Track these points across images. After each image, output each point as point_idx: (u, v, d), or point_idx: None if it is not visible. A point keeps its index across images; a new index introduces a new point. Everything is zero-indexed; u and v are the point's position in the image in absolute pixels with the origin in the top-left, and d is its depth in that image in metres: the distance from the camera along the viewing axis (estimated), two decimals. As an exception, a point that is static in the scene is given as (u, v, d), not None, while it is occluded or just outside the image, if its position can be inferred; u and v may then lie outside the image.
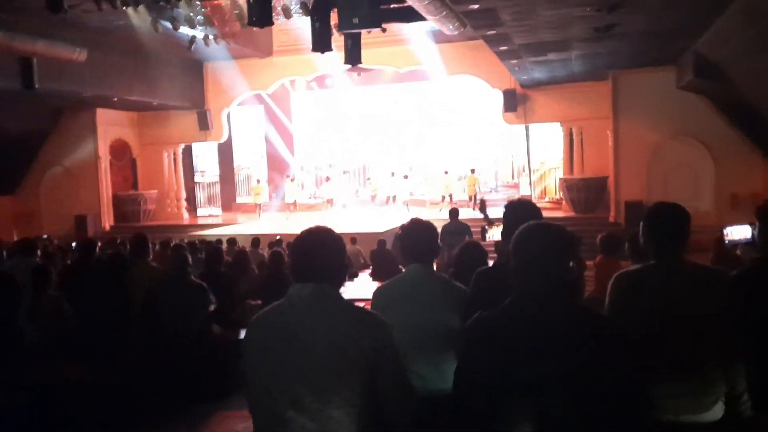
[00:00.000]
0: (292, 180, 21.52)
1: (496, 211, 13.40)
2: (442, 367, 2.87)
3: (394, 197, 20.69)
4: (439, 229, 10.32)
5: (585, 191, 17.43)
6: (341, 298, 2.29)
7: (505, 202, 3.46)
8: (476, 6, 9.29)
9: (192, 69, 19.89)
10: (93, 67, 14.99)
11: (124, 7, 11.66)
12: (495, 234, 11.05)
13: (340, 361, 2.13)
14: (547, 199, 19.89)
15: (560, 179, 18.75)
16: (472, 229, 11.25)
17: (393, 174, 20.76)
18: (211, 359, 5.11)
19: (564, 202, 18.45)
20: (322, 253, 2.30)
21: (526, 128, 19.75)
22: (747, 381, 2.52)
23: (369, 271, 11.43)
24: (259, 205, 21.12)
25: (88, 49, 13.93)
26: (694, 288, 2.56)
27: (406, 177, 20.51)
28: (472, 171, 20.13)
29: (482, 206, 13.93)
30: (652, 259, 2.67)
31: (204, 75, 20.48)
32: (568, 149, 18.66)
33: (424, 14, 10.60)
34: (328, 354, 2.13)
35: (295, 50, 18.58)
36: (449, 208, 12.36)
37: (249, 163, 24.52)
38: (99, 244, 8.56)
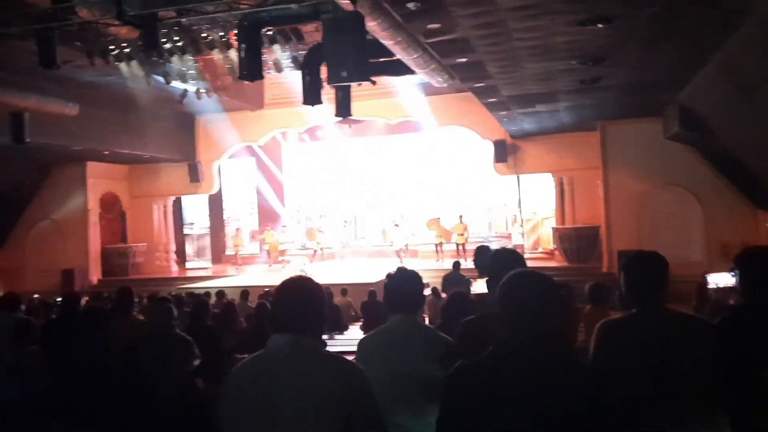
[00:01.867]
0: (271, 230, 21.45)
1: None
2: (426, 419, 2.84)
3: (406, 246, 20.78)
4: (440, 280, 10.54)
5: (577, 241, 17.53)
6: (319, 347, 2.31)
7: (483, 248, 3.45)
8: (464, 59, 9.55)
9: (183, 122, 20.14)
10: (84, 120, 15.18)
11: (117, 63, 11.90)
12: (480, 286, 11.13)
13: (317, 410, 2.13)
14: (540, 249, 19.92)
15: (552, 229, 18.84)
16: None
17: (397, 225, 20.74)
18: (194, 414, 5.03)
19: (557, 252, 18.48)
20: (299, 303, 2.31)
21: (518, 178, 19.95)
22: (730, 429, 2.53)
23: (360, 323, 11.34)
24: (239, 255, 21.16)
25: (79, 104, 14.12)
26: (675, 336, 2.58)
27: (396, 225, 20.57)
28: (460, 218, 20.19)
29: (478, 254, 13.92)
30: (634, 307, 2.70)
31: (195, 128, 20.73)
32: (559, 199, 18.82)
33: (413, 67, 10.87)
34: (305, 403, 2.14)
35: (287, 103, 18.91)
36: (453, 261, 12.48)
37: (239, 214, 24.57)
38: (85, 298, 8.50)
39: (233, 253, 21.69)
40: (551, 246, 19.39)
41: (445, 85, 13.34)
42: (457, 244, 19.50)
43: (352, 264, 20.90)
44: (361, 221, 24.69)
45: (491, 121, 16.44)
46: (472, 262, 5.13)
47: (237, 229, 22.62)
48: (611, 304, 6.45)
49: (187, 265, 22.76)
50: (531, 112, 14.19)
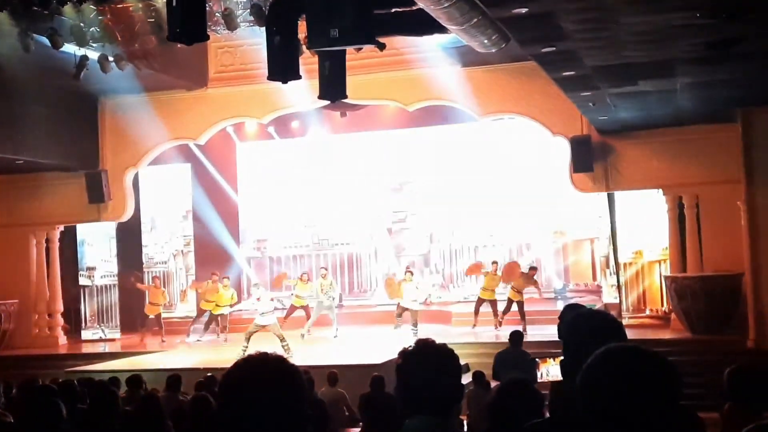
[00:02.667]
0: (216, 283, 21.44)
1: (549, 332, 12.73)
2: None
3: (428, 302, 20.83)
4: (486, 359, 10.42)
5: (706, 298, 17.44)
6: None
7: (567, 314, 3.47)
8: (524, 10, 9.55)
9: (80, 108, 20.25)
10: None
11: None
12: (552, 370, 11.09)
13: None
14: (647, 311, 19.83)
15: (666, 279, 18.75)
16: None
17: (410, 273, 20.72)
18: None
19: (674, 316, 18.36)
20: (262, 398, 2.35)
21: (610, 198, 19.92)
22: None
23: (359, 430, 11.28)
24: (164, 320, 21.26)
25: None
26: None
27: (410, 272, 20.48)
28: (494, 263, 20.39)
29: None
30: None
31: (99, 118, 20.84)
32: (675, 231, 18.73)
33: (443, 23, 10.90)
34: None
35: (243, 79, 19.06)
36: (511, 331, 12.46)
37: (167, 253, 24.58)
38: None
39: (154, 316, 21.62)
40: (664, 306, 19.26)
41: (493, 50, 13.36)
42: (511, 300, 19.50)
43: (344, 333, 20.83)
44: (360, 264, 24.61)
45: (567, 107, 16.44)
46: (557, 331, 5.16)
47: (154, 278, 22.55)
48: (764, 401, 6.36)
49: (83, 335, 22.74)
50: (631, 92, 14.18)
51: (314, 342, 19.44)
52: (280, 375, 2.41)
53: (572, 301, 22.23)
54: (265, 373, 2.40)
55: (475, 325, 19.55)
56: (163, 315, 21.77)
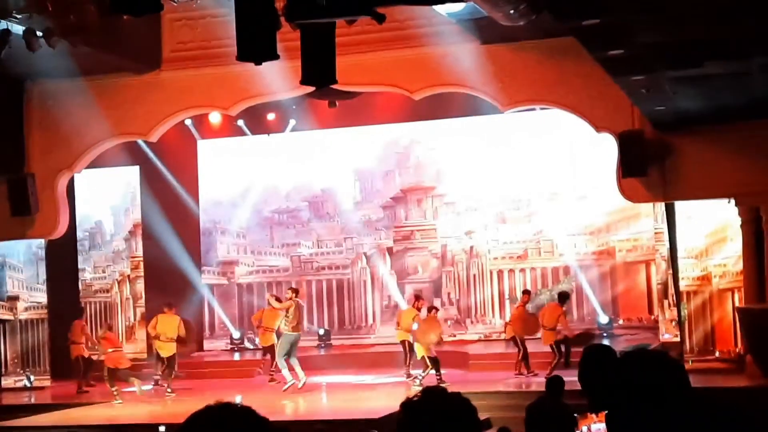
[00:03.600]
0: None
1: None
2: None
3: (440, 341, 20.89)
4: (515, 412, 10.31)
5: (789, 336, 17.36)
6: None
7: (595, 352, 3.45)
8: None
9: (0, 97, 20.21)
10: None
11: None
12: (595, 428, 11.04)
13: None
14: (716, 354, 19.76)
15: (738, 311, 18.71)
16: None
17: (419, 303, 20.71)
18: None
19: (748, 359, 18.31)
20: None
21: (668, 210, 19.91)
22: None
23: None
24: (107, 363, 21.04)
25: None
26: None
27: (435, 310, 20.49)
28: (526, 293, 20.58)
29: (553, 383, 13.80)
30: None
31: (24, 108, 20.79)
32: (751, 251, 18.68)
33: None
34: None
35: (206, 59, 19.03)
36: (550, 375, 12.42)
37: (108, 279, 24.56)
38: None
39: (91, 357, 21.55)
40: (738, 347, 19.20)
41: (520, 23, 13.32)
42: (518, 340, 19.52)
43: (333, 381, 20.79)
44: (353, 294, 24.60)
45: (614, 96, 16.40)
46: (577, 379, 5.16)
47: (76, 322, 22.34)
48: None
49: (3, 382, 22.69)
50: (695, 76, 14.17)
51: (297, 390, 19.36)
52: (243, 427, 2.44)
53: (622, 339, 22.24)
54: (225, 426, 2.43)
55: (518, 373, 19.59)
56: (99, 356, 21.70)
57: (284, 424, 14.05)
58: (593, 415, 11.53)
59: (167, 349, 20.70)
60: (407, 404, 3.20)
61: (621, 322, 23.48)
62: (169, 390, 20.09)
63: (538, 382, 16.72)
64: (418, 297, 20.88)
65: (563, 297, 20.33)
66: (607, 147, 18.86)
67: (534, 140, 23.10)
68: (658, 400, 2.81)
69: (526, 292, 20.95)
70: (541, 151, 23.34)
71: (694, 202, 19.28)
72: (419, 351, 19.37)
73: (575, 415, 11.52)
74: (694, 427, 2.33)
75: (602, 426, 12.34)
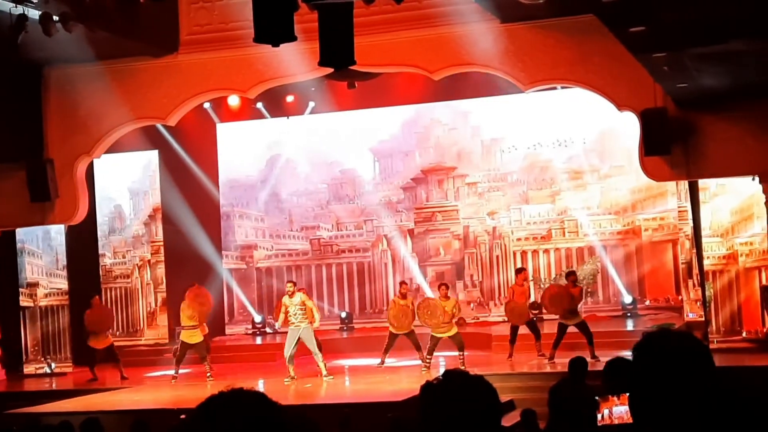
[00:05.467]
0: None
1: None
2: None
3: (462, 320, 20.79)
4: (538, 394, 10.27)
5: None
6: None
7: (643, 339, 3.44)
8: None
9: (18, 82, 20.26)
10: None
11: None
12: (617, 411, 11.02)
13: None
14: (744, 334, 19.70)
15: (762, 288, 18.68)
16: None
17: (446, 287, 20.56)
18: None
19: (776, 341, 18.30)
20: None
21: (691, 188, 19.85)
22: None
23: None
24: (103, 349, 21.14)
25: None
26: None
27: (446, 290, 20.35)
28: (523, 275, 20.38)
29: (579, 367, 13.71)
30: None
31: (42, 94, 20.84)
32: (776, 230, 18.64)
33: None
34: None
35: (224, 42, 19.05)
36: (571, 359, 12.33)
37: (130, 264, 24.64)
38: None
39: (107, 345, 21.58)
40: (766, 326, 19.15)
41: (540, 1, 13.31)
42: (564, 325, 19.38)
43: (355, 364, 20.86)
44: (374, 277, 24.65)
45: (636, 73, 16.35)
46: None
47: (94, 299, 22.35)
48: None
49: (25, 369, 22.85)
50: (719, 53, 14.11)
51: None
52: (255, 414, 2.42)
53: (646, 319, 22.24)
54: (236, 413, 2.41)
55: (511, 356, 19.50)
56: (125, 344, 21.78)
57: (305, 408, 14.11)
58: (615, 398, 11.56)
59: (193, 337, 20.52)
60: (428, 387, 3.21)
61: (648, 303, 23.43)
62: (209, 375, 19.99)
63: (563, 364, 16.73)
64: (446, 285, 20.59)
65: (572, 276, 20.09)
66: (632, 125, 18.84)
67: (557, 119, 23.07)
68: (681, 381, 2.81)
69: (518, 271, 20.86)
70: (564, 130, 23.34)
71: (718, 181, 19.25)
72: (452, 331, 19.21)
73: (596, 398, 11.52)
74: (718, 409, 2.34)
75: (624, 409, 12.35)
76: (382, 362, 19.67)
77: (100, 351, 21.22)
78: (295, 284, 20.27)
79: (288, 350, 18.96)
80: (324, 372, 18.93)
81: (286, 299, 19.10)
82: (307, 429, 2.55)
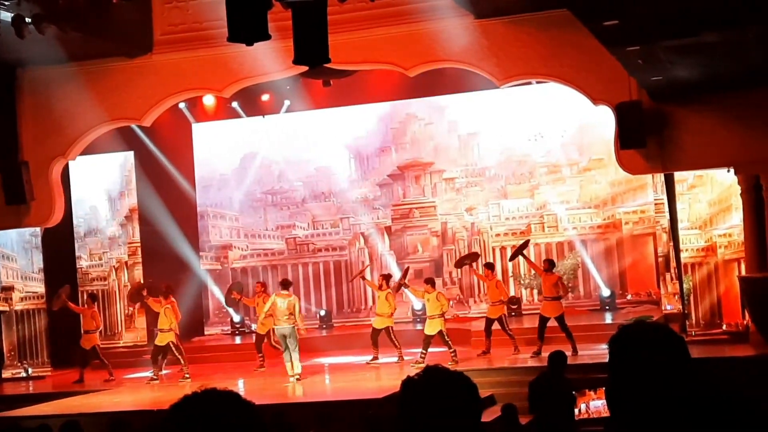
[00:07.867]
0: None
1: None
2: None
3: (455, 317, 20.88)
4: (518, 388, 10.23)
5: (792, 305, 17.38)
6: None
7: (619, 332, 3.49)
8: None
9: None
10: None
11: None
12: (594, 405, 11.15)
13: None
14: (723, 327, 19.76)
15: (740, 280, 18.88)
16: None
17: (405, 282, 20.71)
18: None
19: (752, 327, 18.47)
20: None
21: (667, 181, 19.97)
22: None
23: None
24: (92, 349, 21.15)
25: None
26: None
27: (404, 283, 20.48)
28: (486, 267, 20.48)
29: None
30: None
31: (16, 96, 20.80)
32: (752, 220, 18.68)
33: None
34: None
35: (198, 41, 19.07)
36: (551, 353, 12.42)
37: (105, 266, 24.60)
38: None
39: (88, 348, 21.54)
40: (745, 318, 19.27)
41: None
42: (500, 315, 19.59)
43: (335, 362, 20.98)
44: (351, 275, 24.72)
45: (611, 67, 16.41)
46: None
47: (87, 299, 22.45)
48: None
49: (3, 374, 22.77)
50: (691, 45, 14.22)
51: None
52: (229, 413, 2.44)
53: (623, 312, 22.36)
54: (208, 413, 2.44)
55: (486, 351, 19.57)
56: (104, 346, 21.75)
57: (284, 408, 14.13)
58: (591, 392, 11.68)
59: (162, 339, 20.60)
60: (408, 382, 3.21)
61: (630, 297, 23.54)
62: (186, 375, 20.07)
63: (542, 358, 16.76)
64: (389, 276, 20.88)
65: (546, 263, 20.10)
66: (611, 118, 18.92)
67: (534, 113, 23.18)
68: (656, 373, 2.84)
69: (487, 266, 20.90)
70: (542, 124, 23.45)
71: (693, 173, 19.39)
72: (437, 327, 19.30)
73: (573, 393, 11.59)
74: (695, 402, 2.36)
75: (601, 403, 12.43)
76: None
77: (89, 352, 21.27)
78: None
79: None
80: (293, 371, 18.72)
81: (276, 298, 19.15)
82: (283, 428, 2.65)
